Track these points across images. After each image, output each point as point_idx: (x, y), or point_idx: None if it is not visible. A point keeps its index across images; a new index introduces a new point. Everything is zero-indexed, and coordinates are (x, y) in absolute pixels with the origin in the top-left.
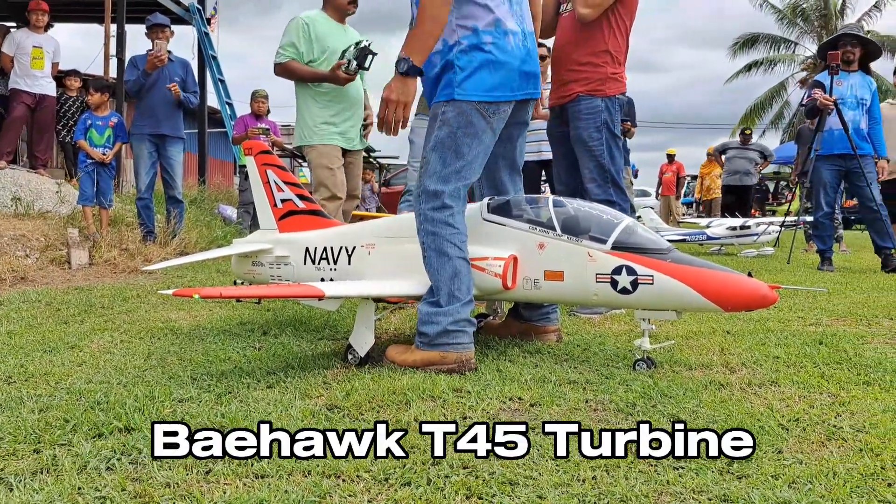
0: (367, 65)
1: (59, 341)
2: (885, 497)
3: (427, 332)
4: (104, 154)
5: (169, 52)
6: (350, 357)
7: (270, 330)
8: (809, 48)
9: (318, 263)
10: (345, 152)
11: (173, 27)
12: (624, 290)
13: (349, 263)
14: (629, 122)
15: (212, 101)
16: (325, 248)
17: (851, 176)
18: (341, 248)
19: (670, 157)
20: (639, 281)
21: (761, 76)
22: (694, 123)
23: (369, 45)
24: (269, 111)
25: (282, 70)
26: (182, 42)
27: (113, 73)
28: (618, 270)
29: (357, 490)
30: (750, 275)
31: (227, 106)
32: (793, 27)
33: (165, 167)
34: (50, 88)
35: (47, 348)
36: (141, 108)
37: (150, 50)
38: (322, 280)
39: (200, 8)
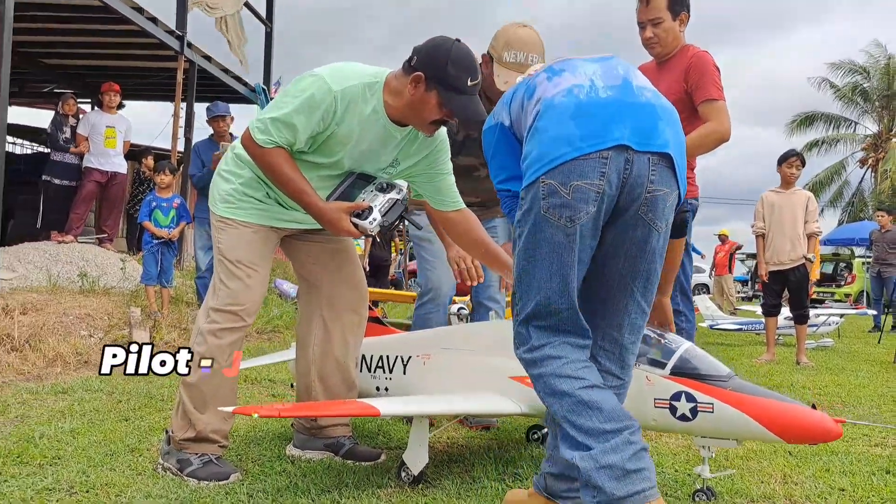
0: (392, 225)
1: (120, 442)
2: None
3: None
4: (170, 233)
5: (231, 135)
6: (403, 475)
7: None
8: (869, 127)
9: (374, 372)
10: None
11: (240, 106)
12: (683, 417)
13: (404, 373)
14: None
15: None
16: (380, 357)
17: None
18: (397, 357)
19: (722, 239)
20: (699, 408)
21: (822, 155)
22: (747, 199)
23: (403, 197)
24: None
25: (258, 155)
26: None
27: (181, 147)
28: (677, 396)
29: None
30: (814, 406)
31: None
32: (853, 106)
33: None
34: (121, 166)
35: (108, 451)
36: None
37: (213, 137)
38: (377, 389)
39: (265, 88)
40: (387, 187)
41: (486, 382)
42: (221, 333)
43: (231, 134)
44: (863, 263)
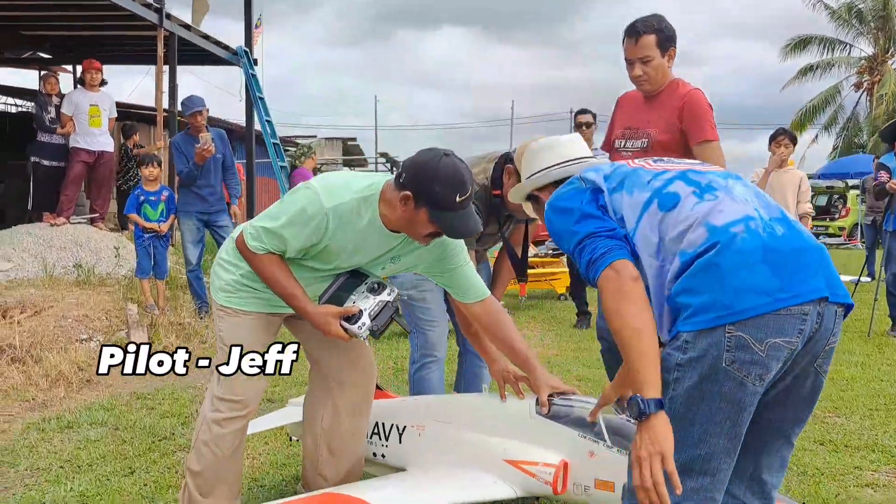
0: (381, 329)
1: None
2: None
3: None
4: (160, 226)
5: (207, 127)
6: None
7: None
8: (865, 50)
9: (371, 438)
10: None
11: (223, 68)
12: None
13: (400, 442)
14: None
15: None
16: (376, 423)
17: None
18: (392, 425)
19: None
20: None
21: (817, 80)
22: (737, 124)
23: (394, 299)
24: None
25: (250, 258)
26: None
27: (165, 105)
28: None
29: None
30: None
31: (273, 146)
32: (847, 27)
33: (216, 238)
34: (108, 145)
35: None
36: (191, 191)
37: (188, 131)
38: (374, 455)
39: (247, 50)
40: (378, 287)
41: (481, 463)
42: (225, 423)
43: (206, 126)
44: (857, 196)
